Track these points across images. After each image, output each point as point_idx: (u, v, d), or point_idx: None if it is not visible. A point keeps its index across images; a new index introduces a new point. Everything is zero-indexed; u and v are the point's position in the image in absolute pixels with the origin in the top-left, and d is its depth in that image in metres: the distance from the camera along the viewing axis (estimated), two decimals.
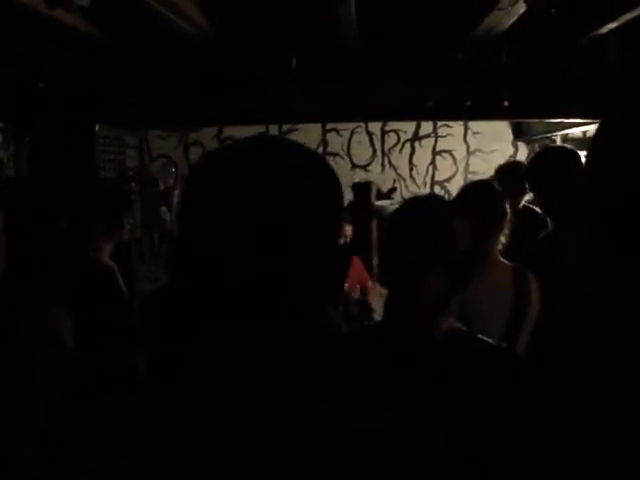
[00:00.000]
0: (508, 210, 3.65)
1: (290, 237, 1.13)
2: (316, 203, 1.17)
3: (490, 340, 2.38)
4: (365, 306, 6.14)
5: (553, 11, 4.57)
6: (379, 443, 1.13)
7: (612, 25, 4.98)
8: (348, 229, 6.15)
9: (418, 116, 8.67)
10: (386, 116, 8.87)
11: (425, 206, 2.50)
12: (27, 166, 6.21)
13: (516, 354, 2.48)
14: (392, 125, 10.50)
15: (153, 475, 1.13)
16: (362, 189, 8.85)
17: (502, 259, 3.63)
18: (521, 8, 4.31)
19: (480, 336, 2.38)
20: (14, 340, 2.13)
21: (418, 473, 1.12)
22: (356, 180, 9.61)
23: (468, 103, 6.81)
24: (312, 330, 1.22)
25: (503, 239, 3.63)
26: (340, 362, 2.41)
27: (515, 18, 4.63)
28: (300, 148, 1.26)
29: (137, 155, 8.89)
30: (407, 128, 10.54)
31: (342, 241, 4.54)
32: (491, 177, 6.36)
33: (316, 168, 1.22)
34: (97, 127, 6.46)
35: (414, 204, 2.57)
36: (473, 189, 3.89)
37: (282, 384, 1.16)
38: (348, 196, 8.90)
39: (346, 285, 6.01)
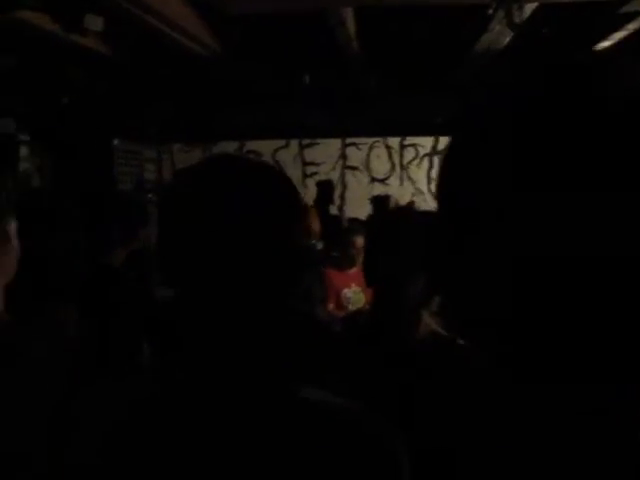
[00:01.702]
0: None
1: (247, 244, 1.29)
2: (268, 215, 1.32)
3: (467, 344, 2.55)
4: None
5: (544, 31, 4.75)
6: (358, 427, 1.30)
7: (605, 44, 5.16)
8: (361, 240, 6.26)
9: (428, 132, 8.80)
10: (399, 132, 9.02)
11: (404, 218, 2.71)
12: (51, 177, 6.42)
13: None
14: (410, 139, 10.47)
15: (147, 451, 1.30)
16: (380, 203, 8.88)
17: None
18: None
19: (459, 341, 2.56)
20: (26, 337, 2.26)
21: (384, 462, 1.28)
22: (375, 194, 9.64)
23: None
24: (288, 326, 1.39)
25: None
26: (327, 358, 2.61)
27: (509, 39, 4.83)
28: (256, 166, 1.41)
29: (155, 168, 9.00)
30: (425, 142, 10.49)
31: (354, 252, 4.70)
32: None
33: (269, 183, 1.37)
34: (116, 141, 6.65)
35: (394, 216, 2.79)
36: None
37: (267, 376, 1.34)
38: (367, 209, 8.97)
39: (363, 296, 6.16)
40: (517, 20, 4.00)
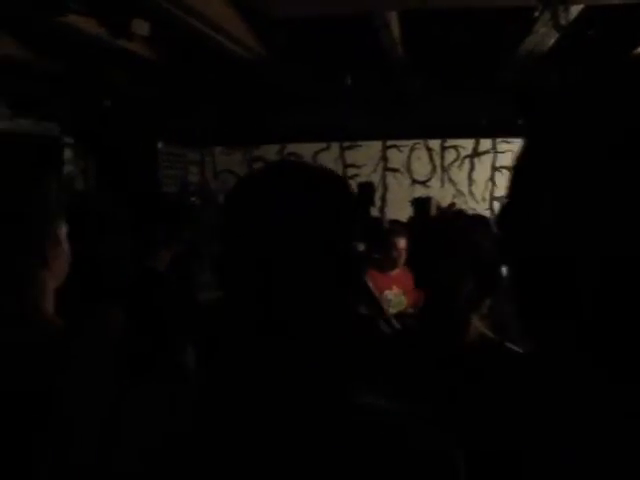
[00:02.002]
0: None
1: (302, 251, 1.30)
2: (324, 224, 1.32)
3: (517, 348, 2.55)
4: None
5: (590, 33, 4.71)
6: (404, 438, 1.29)
7: None
8: (402, 242, 6.23)
9: (472, 133, 8.77)
10: (441, 134, 8.99)
11: (453, 221, 2.72)
12: (95, 180, 6.48)
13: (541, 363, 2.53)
14: (451, 141, 10.49)
15: (196, 457, 1.30)
16: (422, 204, 8.83)
17: None
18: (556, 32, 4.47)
19: (508, 344, 2.56)
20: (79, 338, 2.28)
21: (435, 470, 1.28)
22: (416, 195, 9.60)
23: (520, 122, 6.93)
24: (336, 330, 1.38)
25: None
26: (375, 360, 2.61)
27: (553, 40, 4.79)
28: (317, 173, 1.43)
29: (199, 171, 9.06)
30: (466, 144, 10.54)
31: (395, 253, 4.67)
32: None
33: (328, 189, 1.37)
34: (160, 144, 6.69)
35: (443, 219, 2.81)
36: None
37: (317, 381, 1.33)
38: (408, 211, 8.95)
39: (404, 299, 6.12)
40: (563, 22, 3.97)
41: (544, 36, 4.81)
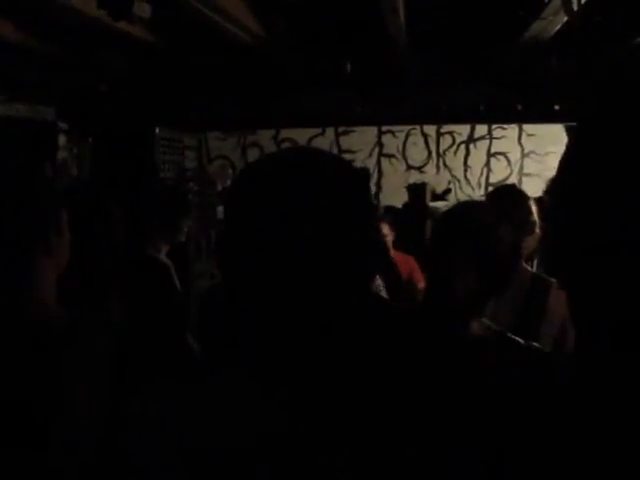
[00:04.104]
0: (533, 212, 3.55)
1: (318, 239, 1.23)
2: (342, 211, 1.26)
3: (519, 339, 2.48)
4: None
5: (598, 19, 4.64)
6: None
7: None
8: (385, 228, 6.22)
9: (470, 119, 8.76)
10: (439, 119, 8.97)
11: (472, 210, 2.63)
12: (90, 167, 6.41)
13: (545, 353, 2.50)
14: (447, 127, 10.48)
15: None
16: (417, 190, 8.84)
17: (524, 265, 3.55)
18: (564, 17, 4.41)
19: (510, 335, 2.49)
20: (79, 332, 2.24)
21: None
22: (411, 181, 9.62)
23: (519, 107, 6.90)
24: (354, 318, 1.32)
25: (531, 242, 3.53)
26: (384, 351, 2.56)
27: (559, 26, 4.74)
28: (329, 159, 1.38)
29: (196, 156, 9.05)
30: (462, 130, 10.54)
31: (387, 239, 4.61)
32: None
33: (343, 176, 1.32)
34: (157, 129, 6.63)
35: (463, 208, 2.72)
36: (496, 192, 3.93)
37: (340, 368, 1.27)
38: (403, 197, 8.94)
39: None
40: (575, 7, 3.91)
41: (549, 23, 4.76)
